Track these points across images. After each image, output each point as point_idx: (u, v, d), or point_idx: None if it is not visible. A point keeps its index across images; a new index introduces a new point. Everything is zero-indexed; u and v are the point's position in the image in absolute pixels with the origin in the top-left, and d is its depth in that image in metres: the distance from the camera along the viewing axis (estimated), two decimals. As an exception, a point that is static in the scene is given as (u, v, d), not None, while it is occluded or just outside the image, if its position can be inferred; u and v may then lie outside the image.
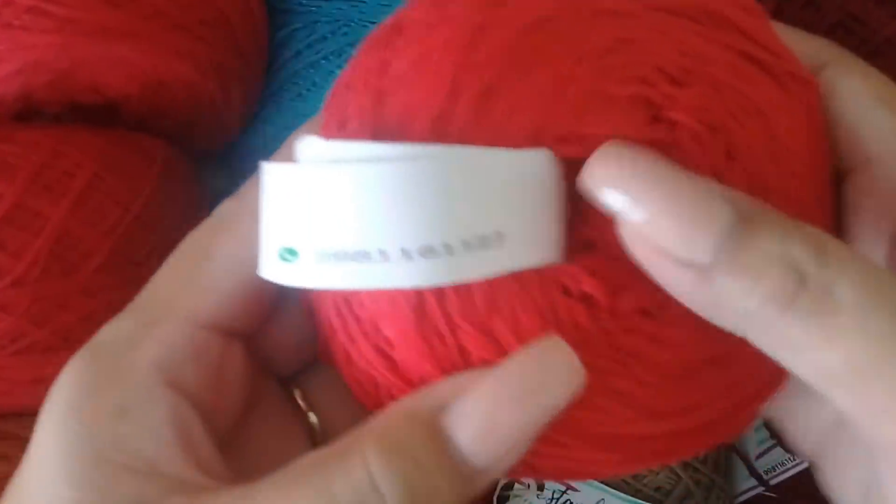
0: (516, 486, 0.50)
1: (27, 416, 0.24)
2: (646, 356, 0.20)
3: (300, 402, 0.25)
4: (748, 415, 0.22)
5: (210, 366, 0.22)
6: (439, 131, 0.19)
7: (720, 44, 0.20)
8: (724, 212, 0.17)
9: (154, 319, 0.22)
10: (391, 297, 0.20)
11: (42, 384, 0.21)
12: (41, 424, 0.21)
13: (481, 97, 0.19)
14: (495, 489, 0.51)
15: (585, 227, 0.21)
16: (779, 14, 0.44)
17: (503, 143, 0.19)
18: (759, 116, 0.20)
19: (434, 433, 0.19)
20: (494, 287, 0.19)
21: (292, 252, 0.19)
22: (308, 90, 0.44)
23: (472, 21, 0.19)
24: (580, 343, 0.19)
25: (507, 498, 0.51)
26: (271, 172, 0.20)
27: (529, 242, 0.19)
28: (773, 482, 0.52)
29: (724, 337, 0.19)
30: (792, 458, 0.51)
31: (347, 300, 0.21)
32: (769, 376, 0.21)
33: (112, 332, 0.22)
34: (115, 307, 0.22)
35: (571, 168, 0.19)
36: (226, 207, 0.24)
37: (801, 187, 0.21)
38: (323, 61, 0.43)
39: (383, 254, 0.18)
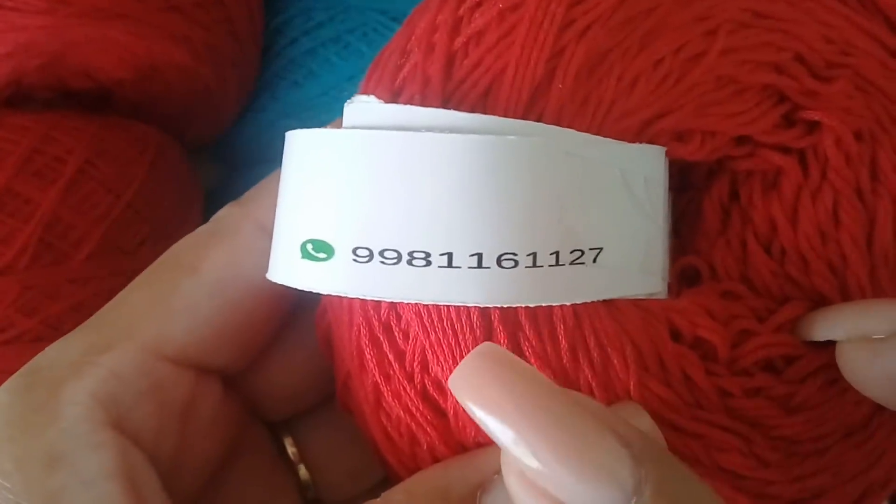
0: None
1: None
2: (770, 426, 0.15)
3: (290, 451, 0.22)
4: None
5: (171, 406, 0.19)
6: (532, 106, 0.14)
7: (867, 32, 0.16)
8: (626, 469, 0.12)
9: (106, 343, 0.18)
10: (451, 324, 0.15)
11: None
12: None
13: (585, 70, 0.15)
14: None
15: (686, 250, 0.16)
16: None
17: (607, 132, 0.15)
18: None
19: None
20: (582, 319, 0.14)
21: (323, 246, 0.15)
22: (304, 78, 0.43)
23: None
24: (689, 405, 0.15)
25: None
26: (303, 140, 0.15)
27: (632, 264, 0.15)
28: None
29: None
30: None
31: (388, 325, 0.16)
32: None
33: (54, 354, 0.18)
34: (104, 297, 0.21)
35: (677, 172, 0.15)
36: (227, 213, 0.20)
37: None
38: (320, 49, 0.43)
39: (449, 257, 0.14)
